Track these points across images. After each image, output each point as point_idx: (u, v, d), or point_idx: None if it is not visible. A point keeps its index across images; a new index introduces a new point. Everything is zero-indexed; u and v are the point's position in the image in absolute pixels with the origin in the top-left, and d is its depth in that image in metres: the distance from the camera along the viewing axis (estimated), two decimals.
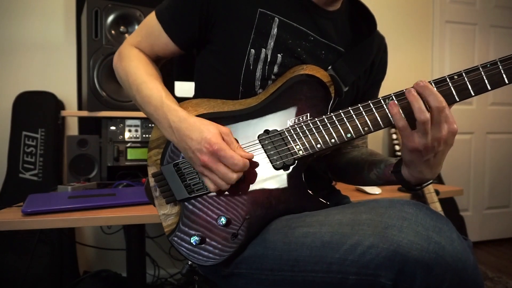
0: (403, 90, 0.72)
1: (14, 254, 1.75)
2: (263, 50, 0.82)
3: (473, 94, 0.70)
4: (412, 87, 0.69)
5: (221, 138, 0.72)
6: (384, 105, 0.73)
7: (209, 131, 0.71)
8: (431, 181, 0.77)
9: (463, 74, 0.70)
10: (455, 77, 0.70)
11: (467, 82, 0.70)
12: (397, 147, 2.26)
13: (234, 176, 0.71)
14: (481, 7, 2.98)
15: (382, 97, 0.74)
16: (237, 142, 0.75)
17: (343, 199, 1.02)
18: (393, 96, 0.73)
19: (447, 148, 0.70)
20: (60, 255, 1.84)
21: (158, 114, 0.79)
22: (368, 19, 0.92)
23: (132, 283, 1.63)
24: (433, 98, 0.66)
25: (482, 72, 0.69)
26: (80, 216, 1.07)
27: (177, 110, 0.77)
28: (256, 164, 0.77)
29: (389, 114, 0.72)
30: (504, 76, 0.69)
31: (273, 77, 0.84)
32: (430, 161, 0.71)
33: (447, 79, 0.70)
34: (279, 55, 0.83)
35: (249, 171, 0.76)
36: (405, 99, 0.70)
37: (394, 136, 2.39)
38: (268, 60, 0.83)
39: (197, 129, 0.72)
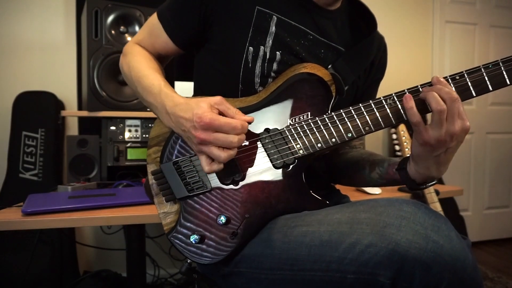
0: (404, 90, 0.72)
1: (14, 254, 1.75)
2: (262, 47, 0.82)
3: (475, 95, 0.70)
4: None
5: (214, 110, 0.70)
6: (386, 105, 0.73)
7: (200, 106, 0.69)
8: (435, 181, 0.77)
9: (465, 74, 0.70)
10: (457, 77, 0.70)
11: (469, 82, 0.70)
12: (397, 147, 2.25)
13: (235, 139, 0.68)
14: (481, 7, 2.99)
15: (383, 97, 0.74)
16: (234, 107, 0.73)
17: (342, 198, 1.02)
18: (394, 96, 0.73)
19: (457, 145, 0.70)
20: (60, 255, 1.84)
21: (157, 102, 0.79)
22: (368, 18, 0.92)
23: (132, 283, 1.63)
24: (446, 91, 0.66)
25: (484, 73, 0.69)
26: (80, 216, 1.07)
27: (174, 96, 0.77)
28: (256, 163, 0.77)
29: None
30: (506, 77, 0.69)
31: (272, 74, 0.84)
32: (440, 157, 0.71)
33: (449, 79, 0.70)
34: (278, 52, 0.83)
35: (249, 170, 0.76)
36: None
37: (394, 136, 2.38)
38: (267, 57, 0.83)
39: (189, 108, 0.71)
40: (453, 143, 0.68)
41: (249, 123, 0.73)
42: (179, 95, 0.77)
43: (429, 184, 0.77)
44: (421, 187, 0.78)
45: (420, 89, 0.71)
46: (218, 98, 0.71)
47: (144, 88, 0.82)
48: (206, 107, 0.69)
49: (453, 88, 0.70)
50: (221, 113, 0.71)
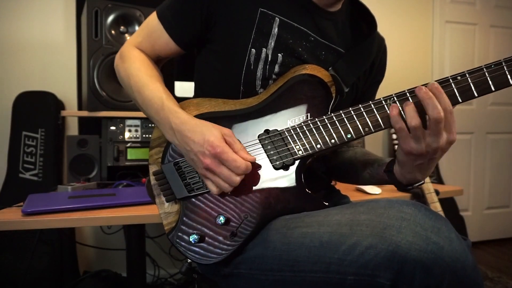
0: (404, 91, 0.72)
1: (14, 254, 1.75)
2: (264, 49, 0.82)
3: (477, 95, 0.70)
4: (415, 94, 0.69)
5: (224, 140, 0.72)
6: (385, 106, 0.73)
7: (212, 133, 0.71)
8: (422, 182, 0.78)
9: (467, 74, 0.69)
10: (458, 77, 0.69)
11: (471, 83, 0.69)
12: (397, 147, 2.26)
13: (237, 179, 0.71)
14: (481, 7, 2.99)
15: (383, 97, 0.74)
16: (240, 143, 0.75)
17: (342, 199, 1.02)
18: (395, 97, 0.73)
19: (442, 155, 0.71)
20: (60, 255, 1.84)
21: (160, 116, 0.79)
22: (368, 20, 0.92)
23: (132, 283, 1.63)
24: (431, 108, 0.65)
25: (486, 73, 0.68)
26: (80, 216, 1.07)
27: (178, 112, 0.77)
28: (256, 164, 0.77)
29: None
30: (509, 76, 0.68)
31: (274, 76, 0.84)
32: (423, 165, 0.72)
33: (450, 79, 0.70)
34: (279, 54, 0.83)
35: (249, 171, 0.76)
36: (407, 100, 0.70)
37: (394, 136, 2.38)
38: (269, 59, 0.83)
39: (199, 132, 0.72)
40: (437, 155, 0.70)
41: (252, 162, 0.73)
42: (182, 111, 0.78)
43: (416, 185, 0.78)
44: (407, 188, 0.79)
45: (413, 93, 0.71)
46: (228, 130, 0.74)
47: (145, 100, 0.82)
48: (219, 136, 0.71)
49: (455, 89, 0.69)
50: (227, 144, 0.72)
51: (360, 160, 0.93)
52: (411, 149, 0.69)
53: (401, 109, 0.70)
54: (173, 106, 0.78)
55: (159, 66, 0.94)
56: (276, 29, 0.83)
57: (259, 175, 0.76)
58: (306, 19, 0.85)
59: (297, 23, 0.84)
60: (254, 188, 0.76)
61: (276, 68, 0.83)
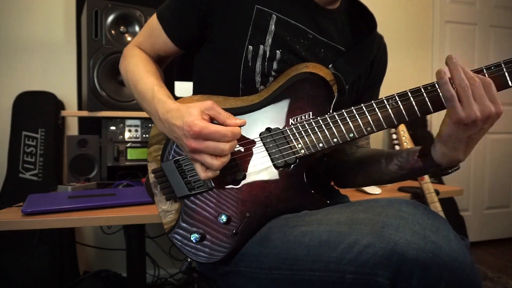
0: (406, 91, 0.72)
1: (14, 254, 1.75)
2: (261, 46, 0.82)
3: None
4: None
5: (204, 116, 0.70)
6: (387, 106, 0.73)
7: (190, 114, 0.69)
8: (458, 167, 0.76)
9: None
10: None
11: None
12: (397, 147, 2.25)
13: (226, 147, 0.68)
14: (481, 7, 2.99)
15: (385, 97, 0.74)
16: (225, 111, 0.73)
17: (342, 198, 1.02)
18: (396, 97, 0.73)
19: (488, 128, 0.70)
20: (60, 255, 1.84)
21: (150, 107, 0.79)
22: (367, 18, 0.92)
23: (132, 283, 1.63)
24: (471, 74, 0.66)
25: (486, 75, 0.69)
26: (80, 216, 1.07)
27: (166, 101, 0.76)
28: (257, 162, 0.77)
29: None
30: (508, 78, 0.69)
31: (273, 73, 0.83)
32: (473, 137, 0.70)
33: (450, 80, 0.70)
34: (277, 51, 0.83)
35: (250, 169, 0.76)
36: (408, 100, 0.70)
37: (394, 136, 2.38)
38: (267, 56, 0.83)
39: (179, 116, 0.71)
40: (486, 125, 0.68)
41: (242, 126, 0.72)
42: (172, 101, 0.77)
43: (454, 168, 0.76)
44: (447, 171, 0.77)
45: (422, 90, 0.72)
46: (208, 103, 0.71)
47: (140, 93, 0.82)
48: (197, 114, 0.69)
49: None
50: (212, 119, 0.71)
51: (382, 153, 0.89)
52: (463, 117, 0.67)
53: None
54: (162, 97, 0.78)
55: (161, 66, 0.95)
56: (273, 26, 0.83)
57: (261, 174, 0.76)
58: (304, 16, 0.85)
59: (294, 20, 0.84)
60: (255, 186, 0.76)
61: (275, 65, 0.83)
